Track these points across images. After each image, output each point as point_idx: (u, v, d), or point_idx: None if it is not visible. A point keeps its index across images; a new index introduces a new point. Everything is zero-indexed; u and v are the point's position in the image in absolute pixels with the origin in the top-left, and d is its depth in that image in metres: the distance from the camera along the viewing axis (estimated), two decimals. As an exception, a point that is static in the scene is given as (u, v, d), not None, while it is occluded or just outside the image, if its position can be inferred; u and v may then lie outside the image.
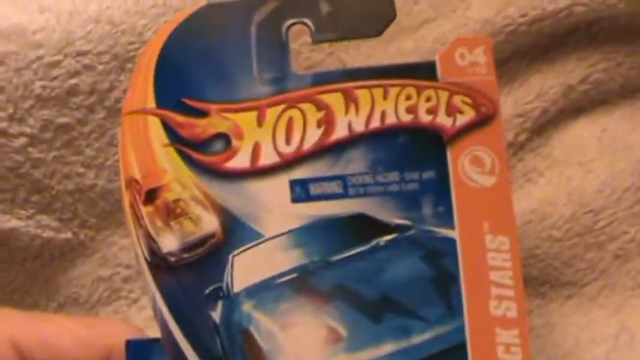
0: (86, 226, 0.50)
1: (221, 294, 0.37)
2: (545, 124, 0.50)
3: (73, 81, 0.47)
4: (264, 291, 0.36)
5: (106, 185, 0.49)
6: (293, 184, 0.37)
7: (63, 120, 0.47)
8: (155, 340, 0.37)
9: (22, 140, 0.46)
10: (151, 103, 0.38)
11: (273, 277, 0.36)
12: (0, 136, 0.46)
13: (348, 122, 0.37)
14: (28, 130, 0.46)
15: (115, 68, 0.47)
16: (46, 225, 0.48)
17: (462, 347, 0.35)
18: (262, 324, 0.36)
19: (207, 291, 0.37)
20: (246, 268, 0.37)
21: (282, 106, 0.37)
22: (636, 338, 0.45)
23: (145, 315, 0.50)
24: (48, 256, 0.49)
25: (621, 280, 0.47)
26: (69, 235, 0.49)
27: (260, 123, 0.37)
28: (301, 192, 0.37)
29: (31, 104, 0.46)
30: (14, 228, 0.47)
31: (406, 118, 0.37)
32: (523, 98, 0.49)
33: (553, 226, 0.47)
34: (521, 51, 0.49)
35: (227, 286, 0.37)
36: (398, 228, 0.37)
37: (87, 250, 0.50)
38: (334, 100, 0.37)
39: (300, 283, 0.36)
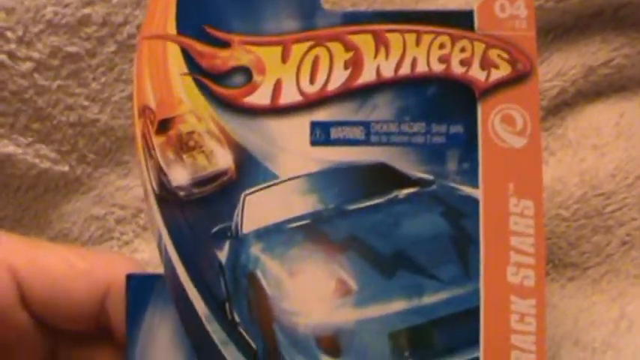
0: (84, 162, 0.47)
1: (229, 234, 0.34)
2: (562, 105, 0.48)
3: (86, 10, 0.44)
4: (275, 234, 0.34)
5: (109, 121, 0.46)
6: (314, 125, 0.34)
7: (72, 49, 0.44)
8: (157, 276, 0.34)
9: (29, 65, 0.43)
10: (172, 29, 0.35)
11: (285, 221, 0.34)
12: (7, 59, 0.43)
13: (376, 66, 0.34)
14: (35, 55, 0.43)
15: (130, 2, 0.44)
16: (44, 155, 0.45)
17: (474, 312, 0.33)
18: (270, 268, 0.34)
19: (215, 230, 0.34)
20: (257, 209, 0.34)
21: (309, 44, 0.34)
22: (635, 325, 0.43)
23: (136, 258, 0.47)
24: (42, 188, 0.46)
25: (625, 267, 0.45)
26: (66, 168, 0.46)
27: (284, 59, 0.34)
28: (321, 135, 0.34)
29: (41, 29, 0.43)
30: (11, 154, 0.44)
31: (438, 67, 0.34)
32: (542, 76, 0.47)
33: (562, 205, 0.45)
34: (546, 28, 0.47)
35: (236, 226, 0.34)
36: (419, 182, 0.34)
37: (82, 186, 0.47)
38: (364, 41, 0.34)
39: (313, 229, 0.34)
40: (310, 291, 0.33)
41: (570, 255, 0.45)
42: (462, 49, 0.34)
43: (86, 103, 0.45)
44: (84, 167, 0.47)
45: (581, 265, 0.45)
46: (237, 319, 0.33)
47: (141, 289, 0.34)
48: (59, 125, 0.45)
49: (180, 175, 0.34)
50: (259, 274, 0.33)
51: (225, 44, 0.35)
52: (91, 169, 0.47)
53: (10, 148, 0.45)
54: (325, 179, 0.34)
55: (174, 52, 0.35)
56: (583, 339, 0.42)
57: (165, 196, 0.34)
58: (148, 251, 0.47)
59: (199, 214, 0.34)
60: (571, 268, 0.45)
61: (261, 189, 0.34)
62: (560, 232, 0.44)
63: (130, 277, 0.34)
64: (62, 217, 0.47)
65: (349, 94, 0.34)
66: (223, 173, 0.34)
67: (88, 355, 0.35)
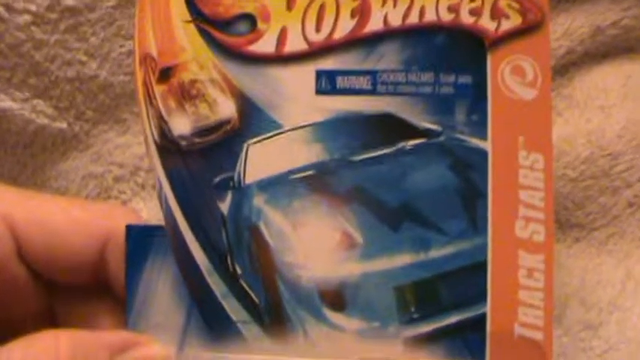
0: (82, 119, 0.45)
1: (231, 185, 0.33)
2: (569, 65, 0.47)
3: (85, -38, 0.42)
4: (278, 186, 0.33)
5: (108, 78, 0.45)
6: (319, 74, 0.33)
7: (70, 2, 0.43)
8: (158, 228, 0.33)
9: (26, 17, 0.42)
10: (174, -24, 0.33)
11: (289, 172, 0.33)
12: (3, 10, 0.41)
13: (384, 15, 0.33)
14: (33, 7, 0.42)
15: (130, -45, 0.43)
16: (41, 111, 0.44)
17: (481, 266, 0.32)
18: (273, 220, 0.32)
19: (217, 180, 0.33)
20: (260, 159, 0.33)
21: (315, -9, 0.33)
22: (642, 287, 0.42)
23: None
24: (39, 146, 0.45)
25: (631, 229, 0.44)
26: (64, 125, 0.45)
27: (289, 7, 0.33)
28: (327, 84, 0.33)
29: (39, -20, 0.42)
30: (8, 109, 0.43)
31: (447, 17, 0.33)
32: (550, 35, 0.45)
33: (568, 165, 0.44)
34: (553, -14, 0.46)
35: (239, 176, 0.33)
36: (426, 132, 0.33)
37: (80, 144, 0.46)
38: (371, -11, 0.33)
39: (317, 180, 0.33)
40: (314, 243, 0.32)
41: (576, 216, 0.44)
42: (472, -2, 0.33)
43: (84, 58, 0.44)
44: (82, 124, 0.46)
45: (587, 226, 0.44)
46: (238, 271, 0.32)
47: (141, 240, 0.33)
48: (57, 81, 0.44)
49: (181, 124, 0.33)
50: (262, 226, 0.32)
51: (228, -9, 0.33)
52: (89, 126, 0.46)
53: (7, 104, 0.43)
54: (330, 129, 0.33)
55: (176, -1, 0.33)
56: (589, 299, 0.41)
57: (167, 145, 0.33)
58: (146, 210, 0.46)
59: (201, 164, 0.33)
60: (577, 229, 0.44)
61: (264, 139, 0.33)
62: (567, 192, 0.43)
63: (129, 228, 0.33)
64: (60, 174, 0.46)
65: (356, 42, 0.33)
66: (226, 122, 0.33)
67: (86, 309, 0.34)
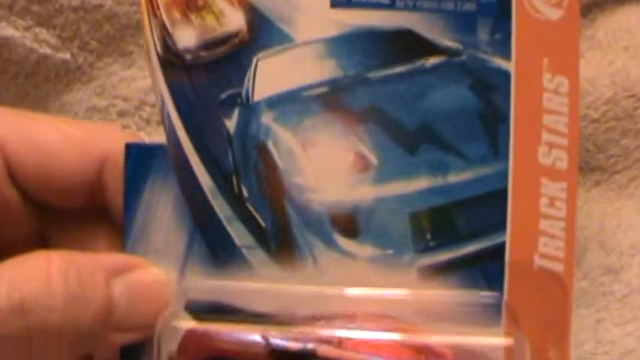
0: (87, 50, 0.43)
1: (239, 101, 0.30)
2: (592, 5, 0.44)
3: None
4: (289, 103, 0.30)
5: (114, 7, 0.43)
6: (334, -14, 0.30)
7: None
8: (159, 147, 0.31)
9: (28, -61, 0.40)
10: None
11: (301, 89, 0.30)
12: None
13: None
14: None
15: None
16: (44, 40, 0.42)
17: (501, 194, 0.30)
18: (282, 139, 0.30)
19: (223, 96, 0.30)
20: (270, 75, 0.30)
21: None
22: (664, 231, 0.40)
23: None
24: (42, 76, 0.43)
25: (654, 172, 0.42)
26: (67, 55, 0.43)
27: None
28: (343, -4, 0.30)
29: None
30: (9, 37, 0.41)
31: None
32: (572, -26, 0.43)
33: (591, 106, 0.41)
34: None
35: (247, 92, 0.30)
36: (447, 50, 0.30)
37: (84, 75, 0.44)
38: None
39: (331, 98, 0.30)
40: (326, 165, 0.30)
41: (597, 158, 0.42)
42: None
43: (89, -15, 0.42)
44: (86, 56, 0.43)
45: (608, 169, 0.42)
46: (244, 193, 0.30)
47: (141, 160, 0.30)
48: (61, 9, 0.42)
49: (186, 37, 0.30)
50: (270, 145, 0.30)
51: None
52: (93, 57, 0.44)
53: (9, 31, 0.41)
54: (345, 44, 0.30)
55: None
56: (609, 243, 0.39)
57: (170, 58, 0.30)
58: (151, 146, 0.44)
59: (207, 79, 0.30)
60: (597, 172, 0.42)
61: (274, 53, 0.30)
62: (588, 134, 0.41)
63: (129, 147, 0.31)
64: (62, 107, 0.44)
65: (374, -47, 0.31)
66: (234, 35, 0.30)
67: (80, 234, 0.32)
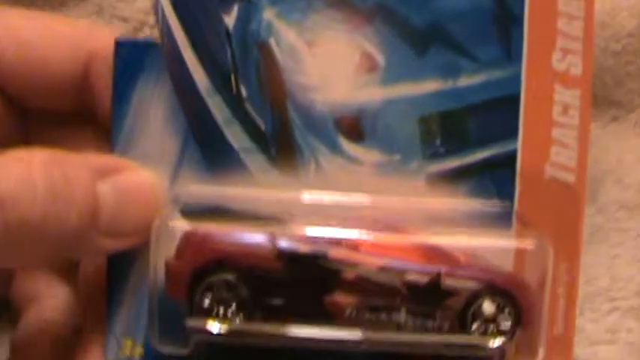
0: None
1: (239, -5, 0.30)
2: None
3: None
4: (292, -2, 0.30)
5: None
6: None
7: None
8: (152, 44, 0.32)
9: None
10: None
11: (304, -19, 0.30)
12: None
13: None
14: None
15: None
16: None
17: (513, 100, 0.32)
18: (284, 37, 0.32)
19: (221, -12, 0.30)
20: (272, -33, 0.30)
21: None
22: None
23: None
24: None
25: (673, 109, 0.46)
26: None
27: None
28: None
29: None
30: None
31: None
32: None
33: (612, 38, 0.45)
34: None
35: (247, -15, 0.30)
36: (460, -52, 0.30)
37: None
38: None
39: (336, -7, 0.30)
40: (330, 64, 0.31)
41: (615, 93, 0.46)
42: None
43: None
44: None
45: (626, 105, 0.46)
46: (243, 93, 0.32)
47: (132, 57, 0.32)
48: None
49: None
50: (272, 42, 0.32)
51: None
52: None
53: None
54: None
55: None
56: (626, 178, 0.43)
57: (165, -52, 0.30)
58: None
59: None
60: (615, 108, 0.46)
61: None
62: (608, 66, 0.45)
63: (119, 43, 0.31)
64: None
65: None
66: None
67: (66, 139, 0.33)
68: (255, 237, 0.30)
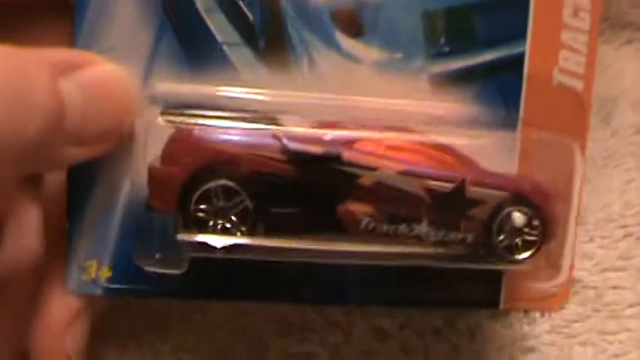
0: None
1: None
2: None
3: None
4: None
5: None
6: None
7: None
8: None
9: None
10: None
11: None
12: None
13: None
14: None
15: None
16: None
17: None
18: None
19: None
20: None
21: None
22: None
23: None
24: None
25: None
26: None
27: None
28: None
29: None
30: None
31: None
32: None
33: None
34: None
35: None
36: None
37: None
38: None
39: None
40: None
41: (630, 14, 0.50)
42: None
43: None
44: None
45: (641, 26, 0.49)
46: None
47: None
48: None
49: None
50: None
51: None
52: None
53: None
54: None
55: None
56: None
57: None
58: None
59: None
60: (630, 29, 0.50)
61: None
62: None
63: None
64: None
65: None
66: None
67: (20, 29, 0.34)
68: (258, 137, 0.30)
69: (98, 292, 0.33)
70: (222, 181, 0.30)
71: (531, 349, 0.40)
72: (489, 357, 0.40)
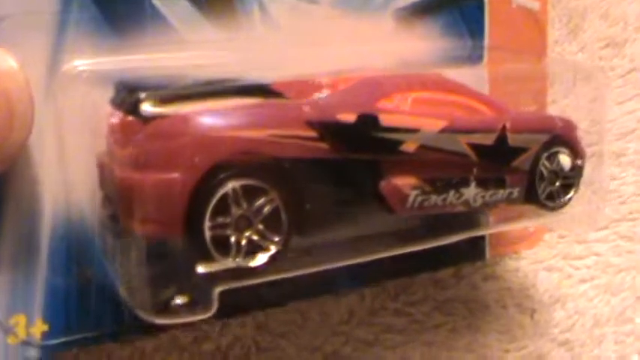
0: None
1: None
2: None
3: None
4: None
5: None
6: None
7: None
8: None
9: None
10: None
11: None
12: None
13: None
14: None
15: None
16: None
17: None
18: None
19: None
20: None
21: None
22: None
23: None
24: None
25: None
26: None
27: None
28: None
29: None
30: None
31: None
32: None
33: None
34: None
35: None
36: None
37: None
38: None
39: None
40: None
41: None
42: None
43: None
44: None
45: None
46: None
47: None
48: None
49: None
50: None
51: None
52: None
53: None
54: None
55: None
56: (612, 12, 0.42)
57: None
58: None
59: None
60: None
61: None
62: None
63: None
64: None
65: None
66: None
67: None
68: (275, 113, 0.24)
69: (32, 354, 0.24)
70: (243, 180, 0.23)
71: (493, 277, 0.37)
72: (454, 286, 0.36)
